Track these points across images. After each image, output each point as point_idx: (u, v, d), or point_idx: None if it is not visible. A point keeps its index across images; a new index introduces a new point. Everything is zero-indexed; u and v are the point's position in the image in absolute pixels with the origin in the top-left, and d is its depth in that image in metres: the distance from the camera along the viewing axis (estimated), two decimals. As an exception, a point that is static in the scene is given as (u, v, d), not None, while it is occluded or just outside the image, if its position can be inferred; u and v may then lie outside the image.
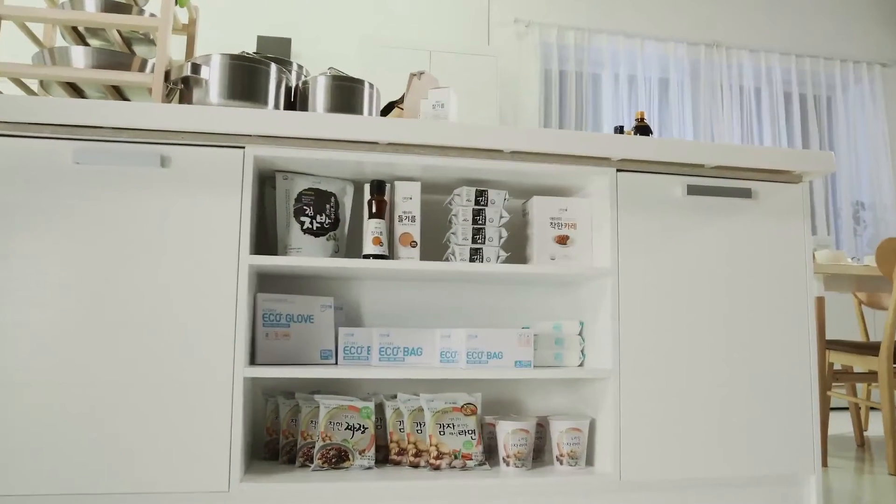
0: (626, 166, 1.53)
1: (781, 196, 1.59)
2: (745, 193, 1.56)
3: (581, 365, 1.62)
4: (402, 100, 1.79)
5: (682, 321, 1.50)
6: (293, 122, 1.36)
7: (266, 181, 1.62)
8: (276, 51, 4.41)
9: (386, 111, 1.85)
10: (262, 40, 4.39)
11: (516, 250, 1.75)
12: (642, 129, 2.13)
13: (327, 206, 1.54)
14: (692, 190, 1.53)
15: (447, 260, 1.54)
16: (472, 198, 1.55)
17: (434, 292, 1.71)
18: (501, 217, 1.55)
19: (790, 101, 5.18)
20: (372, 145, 1.43)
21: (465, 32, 4.78)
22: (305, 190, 1.52)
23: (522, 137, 1.44)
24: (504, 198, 1.57)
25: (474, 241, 1.53)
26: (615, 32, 4.88)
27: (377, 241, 1.48)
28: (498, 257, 1.54)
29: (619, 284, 1.48)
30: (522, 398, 1.72)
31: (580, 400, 1.66)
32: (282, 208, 1.51)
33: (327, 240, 1.52)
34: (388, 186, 1.55)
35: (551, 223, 1.59)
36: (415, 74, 1.79)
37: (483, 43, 4.78)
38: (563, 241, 1.58)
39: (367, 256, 1.47)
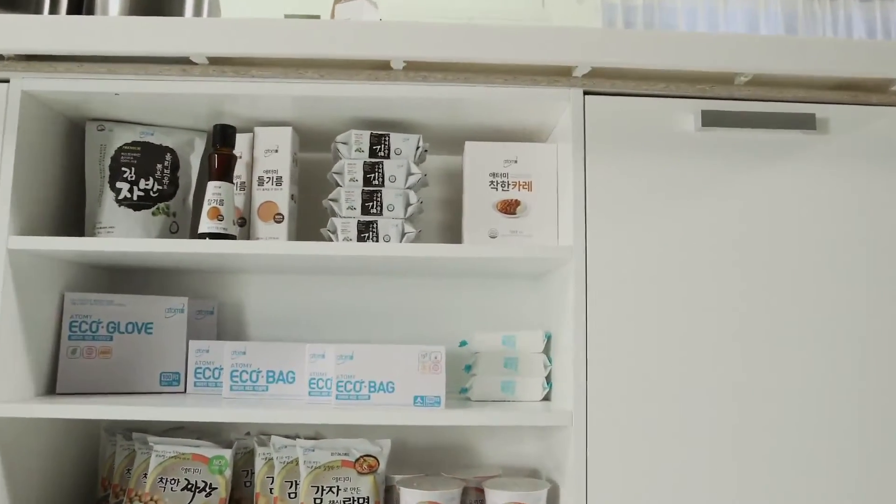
0: (598, 85, 0.96)
1: (872, 126, 0.96)
2: (806, 122, 0.95)
3: (547, 398, 1.07)
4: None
5: (691, 334, 0.91)
6: (56, 31, 0.90)
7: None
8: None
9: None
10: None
11: (452, 225, 1.20)
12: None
13: (159, 166, 1.06)
14: (710, 119, 0.94)
15: (328, 240, 1.03)
16: (366, 146, 1.03)
17: (353, 288, 1.20)
18: (410, 174, 1.02)
19: (916, 56, 4.25)
20: (188, 67, 0.94)
21: (512, -3, 4.21)
22: (128, 144, 1.06)
23: (421, 36, 0.90)
24: (417, 146, 1.04)
25: (365, 210, 1.01)
26: (691, -14, 4.16)
27: (214, 214, 0.99)
28: (403, 234, 1.01)
29: (588, 276, 0.92)
30: (472, 442, 1.18)
31: (554, 447, 1.09)
32: (93, 171, 1.05)
33: (154, 213, 1.05)
34: (250, 136, 1.06)
35: (492, 182, 1.04)
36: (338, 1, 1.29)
37: (537, 6, 4.20)
38: (510, 208, 1.03)
39: (201, 236, 0.98)
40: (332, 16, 1.28)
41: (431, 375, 0.92)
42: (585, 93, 0.96)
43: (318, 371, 0.98)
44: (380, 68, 0.94)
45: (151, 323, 1.09)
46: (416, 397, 0.92)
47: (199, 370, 1.08)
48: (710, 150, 0.94)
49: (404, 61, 0.92)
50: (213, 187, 0.99)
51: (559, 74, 0.96)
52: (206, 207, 0.98)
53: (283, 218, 1.03)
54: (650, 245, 0.92)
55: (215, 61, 0.94)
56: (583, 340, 0.91)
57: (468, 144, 1.04)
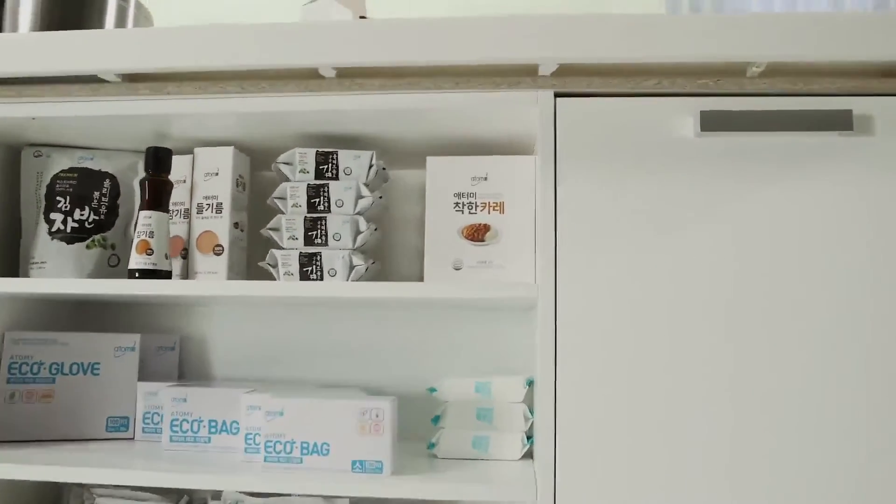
0: (571, 84, 0.78)
1: (931, 123, 0.74)
2: (841, 121, 0.74)
3: (528, 455, 0.90)
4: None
5: (692, 388, 0.73)
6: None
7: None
8: None
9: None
10: None
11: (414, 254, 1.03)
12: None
13: (96, 194, 0.97)
14: (712, 121, 0.75)
15: (269, 275, 0.90)
16: (311, 166, 0.90)
17: (322, 322, 1.08)
18: (360, 197, 0.88)
19: None
20: (100, 85, 0.84)
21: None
22: (64, 171, 0.97)
23: (348, 38, 0.76)
24: (370, 164, 0.89)
25: (308, 240, 0.88)
26: (767, -42, 3.79)
27: (143, 248, 0.88)
28: (351, 268, 0.87)
29: (558, 321, 0.75)
30: None
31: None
32: (29, 201, 0.97)
33: (88, 247, 0.96)
34: (192, 158, 0.95)
35: (457, 204, 0.88)
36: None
37: (595, -6, 3.95)
38: (477, 234, 0.87)
39: (131, 272, 0.88)
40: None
41: (373, 437, 0.78)
42: (556, 95, 0.78)
43: (254, 426, 0.85)
44: (310, 77, 0.81)
45: (99, 363, 1.00)
46: (354, 462, 0.78)
47: (147, 415, 0.99)
48: (713, 161, 0.75)
49: (334, 68, 0.78)
50: (143, 218, 0.89)
51: (523, 74, 0.79)
52: (135, 241, 0.88)
53: (222, 250, 0.92)
54: (635, 282, 0.74)
55: (133, 78, 0.84)
56: (550, 396, 0.74)
57: (429, 160, 0.89)
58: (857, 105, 0.74)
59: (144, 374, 1.04)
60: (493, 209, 0.87)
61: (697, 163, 0.75)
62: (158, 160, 0.91)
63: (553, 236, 0.76)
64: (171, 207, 0.93)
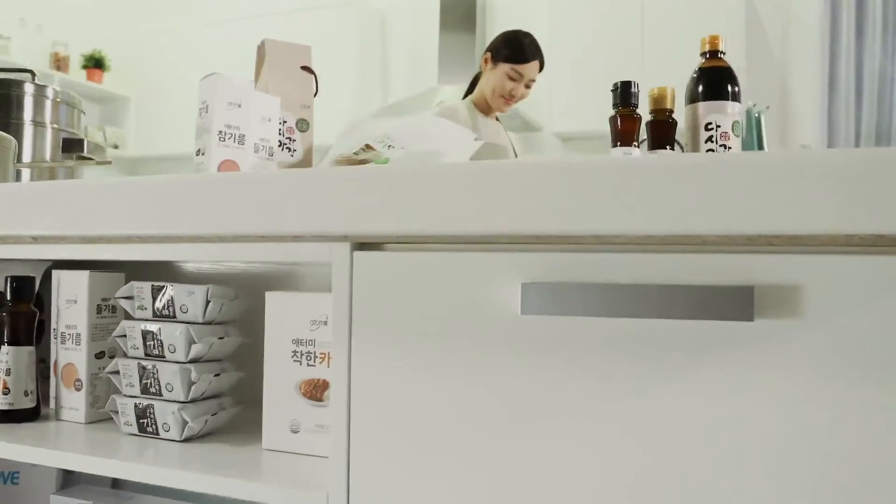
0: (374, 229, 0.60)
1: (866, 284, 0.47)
2: (732, 306, 0.49)
3: None
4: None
5: None
6: None
7: None
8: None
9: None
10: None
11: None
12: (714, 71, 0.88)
13: (-15, 314, 0.94)
14: (536, 299, 0.53)
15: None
16: (148, 302, 0.79)
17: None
18: (192, 342, 0.76)
19: None
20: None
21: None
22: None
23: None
24: (206, 300, 0.77)
25: (144, 389, 0.78)
26: None
27: (3, 390, 0.84)
28: (184, 426, 0.76)
29: (352, 538, 0.59)
30: None
31: None
32: (-66, 320, 0.97)
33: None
34: (53, 283, 0.88)
35: (295, 353, 0.73)
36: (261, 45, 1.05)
37: None
38: (316, 392, 0.72)
39: (-4, 413, 0.84)
40: (257, 67, 1.04)
41: None
42: (355, 247, 0.60)
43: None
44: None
45: (17, 472, 0.99)
46: None
47: (55, 534, 0.97)
48: (548, 347, 0.54)
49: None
50: (3, 354, 0.84)
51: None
52: (-4, 378, 0.84)
53: (82, 385, 0.85)
54: (438, 508, 0.56)
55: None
56: None
57: (268, 296, 0.75)
58: (765, 271, 0.49)
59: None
60: (320, 360, 0.72)
61: (525, 348, 0.54)
62: (18, 290, 0.85)
63: (346, 444, 0.59)
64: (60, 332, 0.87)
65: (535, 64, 2.02)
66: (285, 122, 1.01)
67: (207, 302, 0.77)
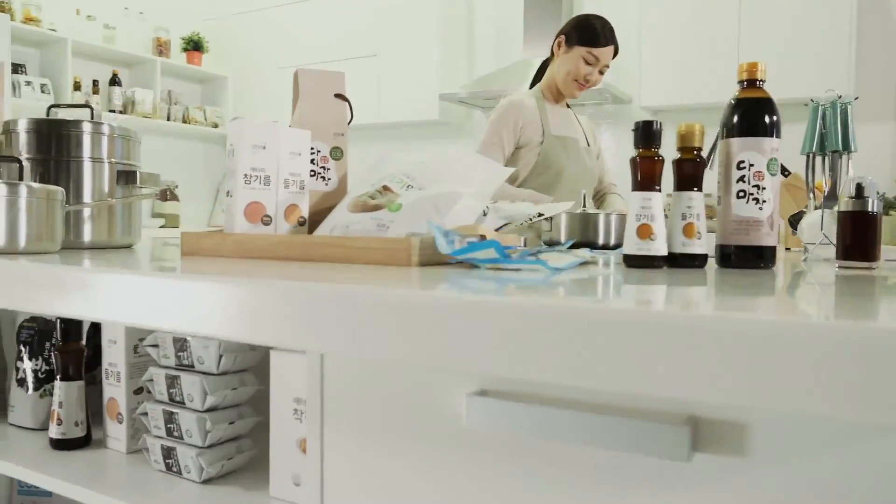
0: (340, 326, 0.61)
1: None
2: (665, 445, 0.46)
3: None
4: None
5: None
6: None
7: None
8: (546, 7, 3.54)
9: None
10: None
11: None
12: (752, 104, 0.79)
13: (47, 344, 1.04)
14: (481, 410, 0.52)
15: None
16: (171, 352, 0.84)
17: None
18: (206, 393, 0.81)
19: None
20: None
21: None
22: (27, 321, 1.05)
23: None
24: (219, 354, 0.81)
25: (168, 432, 0.84)
26: None
27: (54, 418, 0.93)
28: (202, 470, 0.81)
29: None
30: None
31: None
32: (9, 347, 1.08)
33: (41, 396, 1.04)
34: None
35: (296, 412, 0.76)
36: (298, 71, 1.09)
37: None
38: (314, 450, 0.75)
39: (50, 441, 0.94)
40: (295, 96, 1.07)
41: None
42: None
43: None
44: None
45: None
46: None
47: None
48: (494, 454, 0.53)
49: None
50: (56, 388, 0.93)
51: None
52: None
53: (123, 418, 0.93)
54: None
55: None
56: None
57: (272, 354, 0.78)
58: (705, 403, 0.46)
59: None
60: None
61: (470, 452, 0.54)
62: (66, 331, 0.94)
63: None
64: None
65: (610, 49, 1.93)
66: (319, 151, 1.03)
67: (220, 356, 0.81)
